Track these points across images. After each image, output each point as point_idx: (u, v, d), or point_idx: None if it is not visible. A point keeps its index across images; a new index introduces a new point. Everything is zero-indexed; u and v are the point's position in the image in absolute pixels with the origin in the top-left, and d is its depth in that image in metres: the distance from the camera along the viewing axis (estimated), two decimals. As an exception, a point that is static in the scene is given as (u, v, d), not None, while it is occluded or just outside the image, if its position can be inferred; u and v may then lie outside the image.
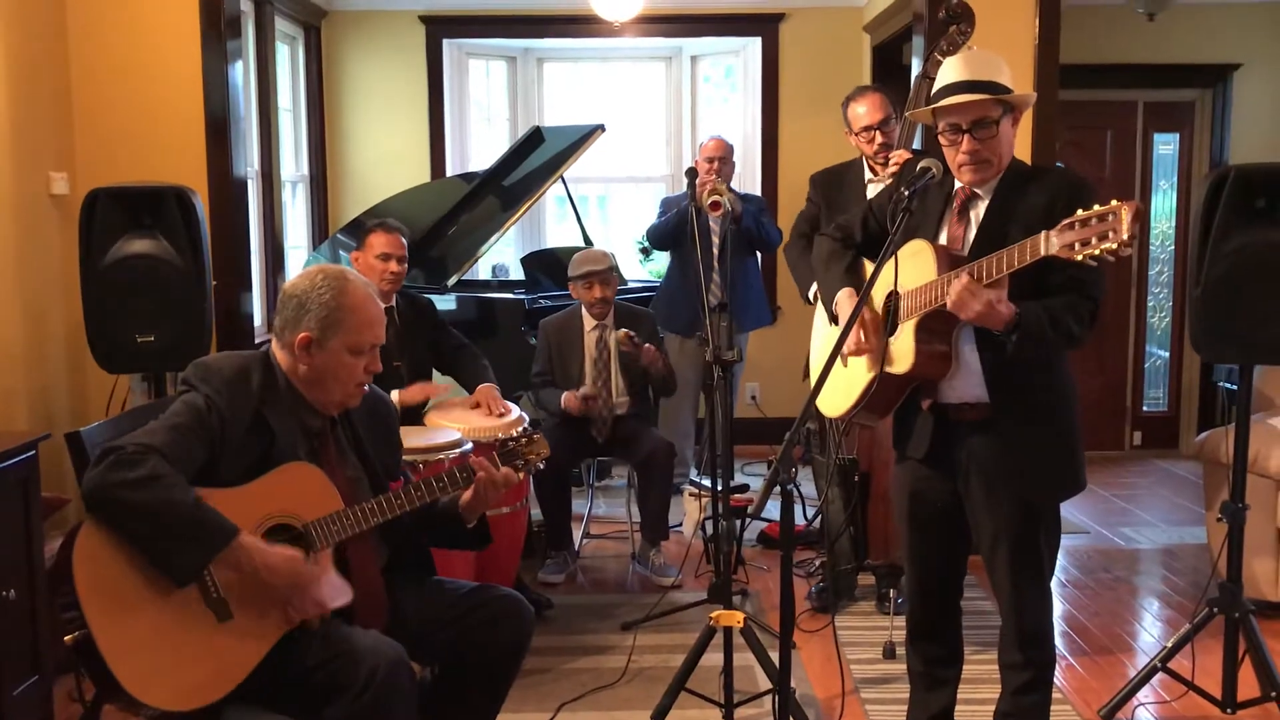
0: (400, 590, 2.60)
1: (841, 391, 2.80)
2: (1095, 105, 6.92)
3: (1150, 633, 4.25)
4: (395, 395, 4.02)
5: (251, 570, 2.25)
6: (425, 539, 2.71)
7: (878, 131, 4.09)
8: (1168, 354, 7.24)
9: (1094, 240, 2.24)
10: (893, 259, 2.57)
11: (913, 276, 2.62)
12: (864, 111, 4.13)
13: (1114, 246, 2.22)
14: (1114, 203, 2.25)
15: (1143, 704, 3.51)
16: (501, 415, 3.96)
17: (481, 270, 7.15)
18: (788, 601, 2.32)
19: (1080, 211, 2.28)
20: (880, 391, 2.69)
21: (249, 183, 5.62)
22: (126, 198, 3.63)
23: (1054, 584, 4.75)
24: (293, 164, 6.67)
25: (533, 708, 3.48)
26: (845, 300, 2.78)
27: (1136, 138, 7.06)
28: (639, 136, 7.53)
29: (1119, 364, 7.21)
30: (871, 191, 3.99)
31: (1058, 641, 4.11)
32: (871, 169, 4.17)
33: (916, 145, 4.18)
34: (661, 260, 6.82)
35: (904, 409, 2.80)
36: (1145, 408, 7.30)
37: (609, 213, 7.77)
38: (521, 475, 2.71)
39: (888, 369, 2.66)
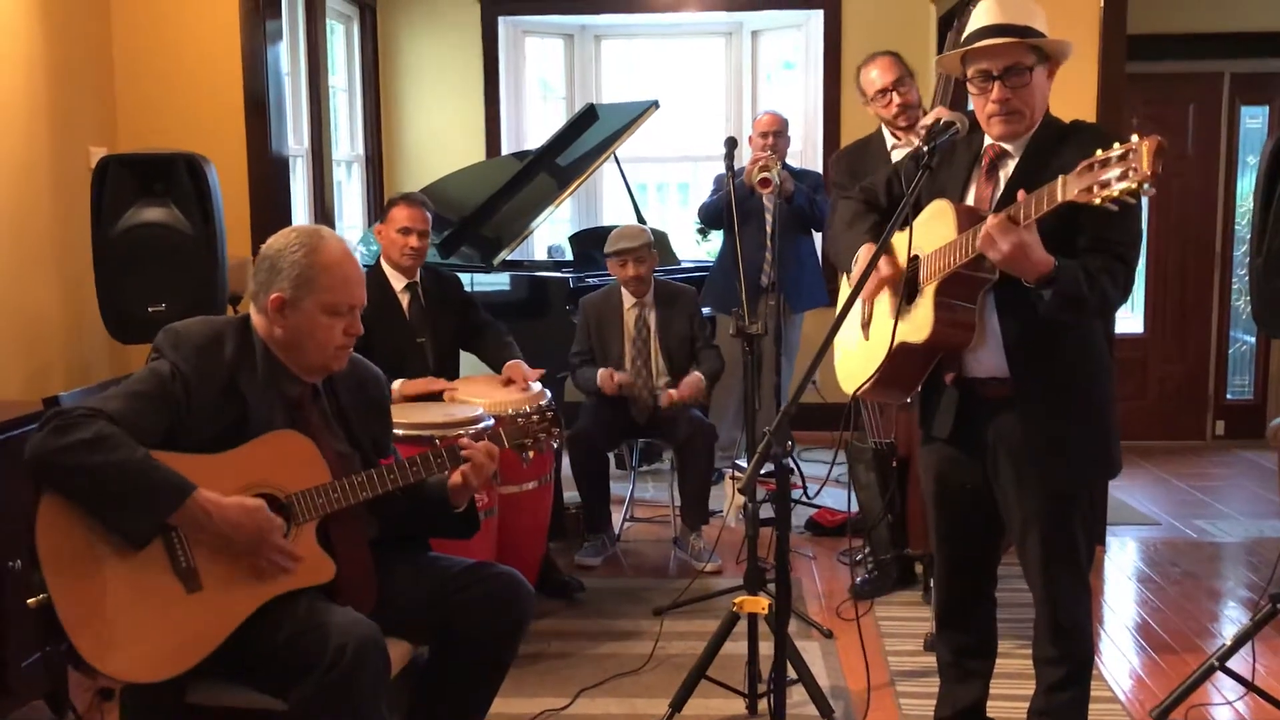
0: (390, 566, 2.49)
1: (861, 365, 2.62)
2: (1176, 77, 6.58)
3: (1218, 631, 3.98)
4: (396, 385, 3.84)
5: (213, 527, 2.17)
6: (418, 525, 2.60)
7: (893, 93, 3.96)
8: (1254, 339, 6.86)
9: (1113, 181, 2.04)
10: (910, 217, 2.39)
11: (933, 239, 2.44)
12: (876, 75, 4.01)
13: (1134, 185, 2.01)
14: (1134, 139, 2.04)
15: (1198, 705, 3.27)
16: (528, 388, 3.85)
17: (537, 250, 7.08)
18: (783, 585, 2.16)
19: (1099, 153, 2.08)
20: (900, 364, 2.51)
21: (297, 160, 5.63)
22: (137, 165, 3.59)
23: (1118, 578, 4.56)
24: (348, 143, 6.66)
25: (551, 692, 3.37)
26: (865, 254, 2.61)
27: (1222, 111, 6.69)
28: (698, 114, 7.37)
29: (1201, 349, 6.86)
30: (897, 159, 3.82)
31: (1116, 638, 3.90)
32: (894, 135, 4.00)
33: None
34: (720, 241, 6.67)
35: (929, 385, 2.62)
36: (1229, 395, 6.93)
37: (689, 196, 7.66)
38: (531, 454, 2.60)
39: (907, 339, 2.48)
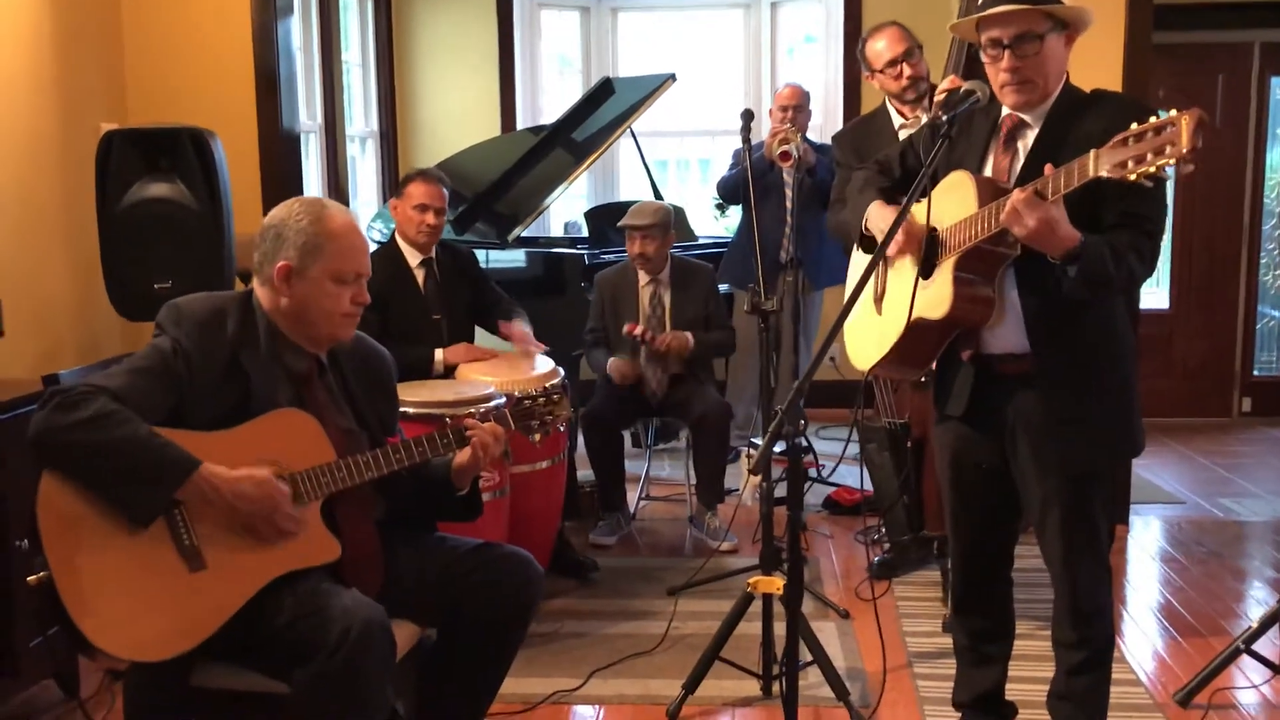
0: (396, 546, 2.45)
1: (874, 341, 2.56)
2: (1204, 48, 6.44)
3: (1243, 612, 3.91)
4: (439, 354, 3.90)
5: (220, 501, 2.14)
6: (419, 505, 2.56)
7: (904, 64, 3.83)
8: (1283, 314, 6.75)
9: (1149, 156, 1.95)
10: (928, 190, 2.32)
11: (952, 211, 2.37)
12: (884, 46, 3.88)
13: (1172, 161, 1.92)
14: (1173, 112, 1.96)
15: (1223, 689, 3.20)
16: (532, 354, 3.83)
17: (554, 226, 7.02)
18: (795, 567, 2.11)
19: (1134, 126, 1.99)
20: (915, 340, 2.44)
21: (310, 136, 5.59)
22: (142, 140, 3.54)
23: (1141, 558, 4.49)
24: (362, 119, 6.61)
25: (564, 673, 3.34)
26: (876, 210, 2.53)
27: (1251, 82, 6.55)
28: (717, 88, 7.28)
29: (1227, 325, 6.73)
30: (904, 136, 3.71)
31: (1139, 620, 3.83)
32: (900, 112, 3.90)
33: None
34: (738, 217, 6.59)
35: (944, 362, 2.55)
36: (1256, 372, 6.81)
37: (709, 172, 7.58)
38: (538, 437, 2.55)
39: (924, 314, 2.41)
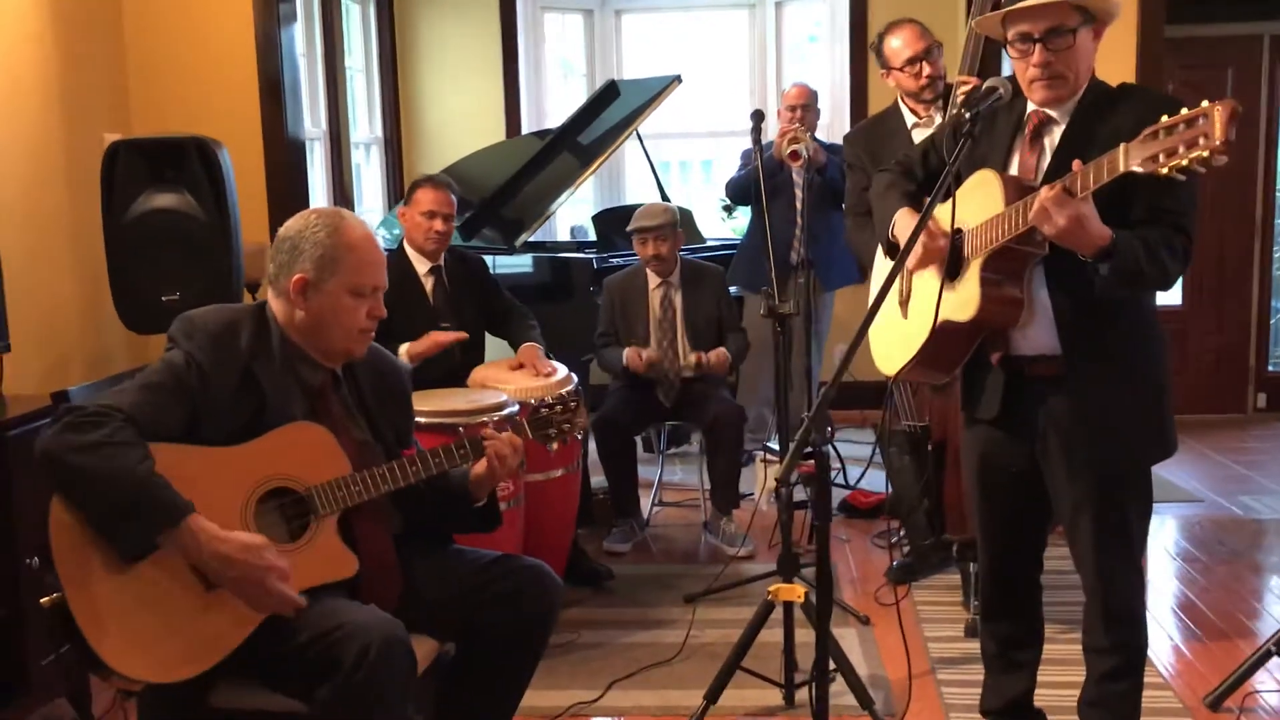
0: (414, 560, 2.40)
1: (899, 345, 2.51)
2: (1213, 41, 6.39)
3: (1267, 612, 3.86)
4: (403, 349, 3.79)
5: (200, 557, 2.05)
6: (436, 517, 2.51)
7: (924, 62, 3.78)
8: (1297, 308, 6.69)
9: (1181, 149, 1.91)
10: (952, 190, 2.27)
11: (978, 211, 2.32)
12: (902, 43, 3.82)
13: (1206, 154, 1.88)
14: (1205, 104, 1.91)
15: (1254, 691, 3.15)
16: (548, 375, 3.75)
17: (560, 231, 6.98)
18: (825, 577, 2.06)
19: (1165, 119, 1.95)
20: (942, 343, 2.40)
21: (315, 144, 5.55)
22: (148, 150, 3.50)
23: (1161, 558, 4.43)
24: (366, 125, 6.57)
25: (582, 685, 3.29)
26: (904, 217, 2.48)
27: (1261, 75, 6.50)
28: (722, 89, 7.24)
29: (1241, 320, 6.68)
30: (918, 136, 3.66)
31: (1163, 621, 3.78)
32: (913, 111, 3.84)
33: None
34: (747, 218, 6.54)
35: (972, 365, 2.50)
36: (1271, 367, 6.76)
37: (713, 173, 7.54)
38: (555, 446, 2.51)
39: (951, 317, 2.36)
